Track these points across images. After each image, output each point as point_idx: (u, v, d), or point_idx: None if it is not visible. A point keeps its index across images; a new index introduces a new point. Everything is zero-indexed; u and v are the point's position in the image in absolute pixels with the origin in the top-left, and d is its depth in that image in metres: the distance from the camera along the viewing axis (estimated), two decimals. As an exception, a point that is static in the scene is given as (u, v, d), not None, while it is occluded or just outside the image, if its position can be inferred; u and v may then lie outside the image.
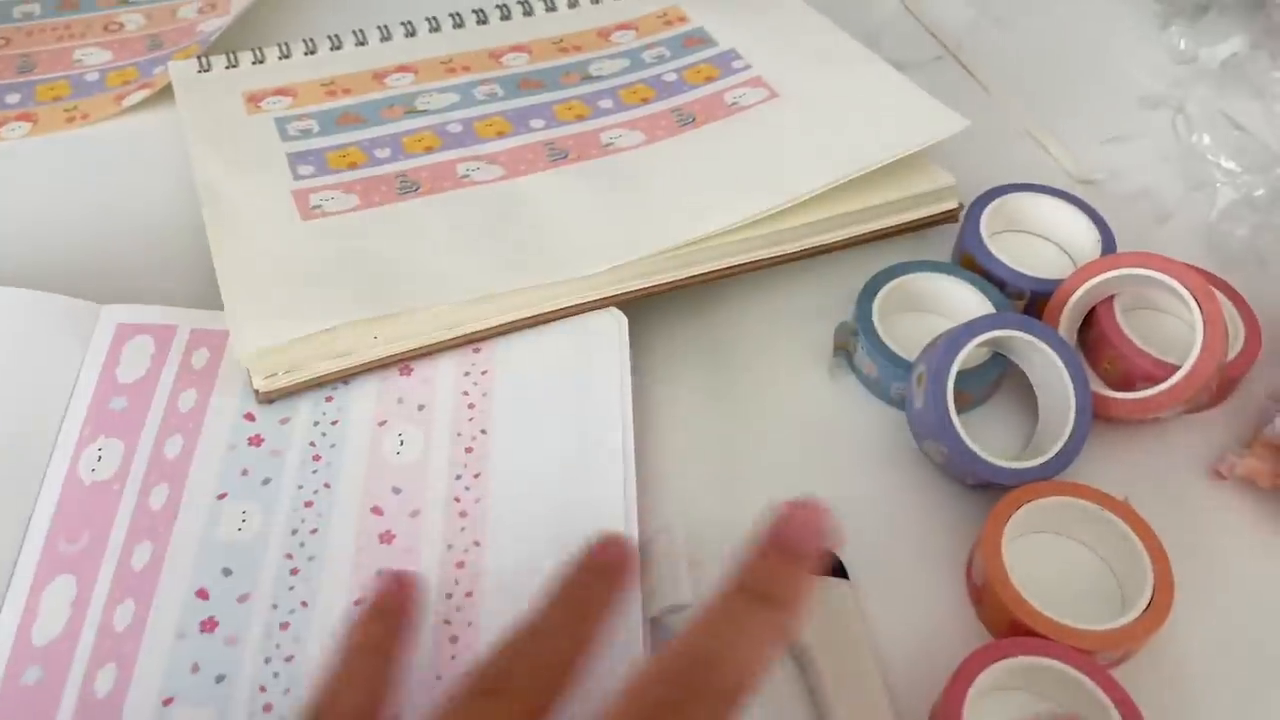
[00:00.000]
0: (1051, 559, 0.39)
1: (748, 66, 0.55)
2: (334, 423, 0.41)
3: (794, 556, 0.31)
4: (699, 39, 0.57)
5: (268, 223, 0.46)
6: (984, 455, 0.39)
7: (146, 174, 0.52)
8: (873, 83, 0.52)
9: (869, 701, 0.35)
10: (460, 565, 0.37)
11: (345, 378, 0.42)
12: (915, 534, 0.40)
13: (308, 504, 0.39)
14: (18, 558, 0.37)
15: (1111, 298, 0.44)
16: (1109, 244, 0.47)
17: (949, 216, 0.49)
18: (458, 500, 0.39)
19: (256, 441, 0.41)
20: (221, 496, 0.39)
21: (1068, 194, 0.48)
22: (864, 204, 0.47)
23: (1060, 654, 0.35)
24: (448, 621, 0.36)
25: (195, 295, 0.44)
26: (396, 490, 0.39)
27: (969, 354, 0.40)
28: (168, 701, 0.34)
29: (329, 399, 0.42)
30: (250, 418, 0.41)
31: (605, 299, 0.44)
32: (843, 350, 0.45)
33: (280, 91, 0.54)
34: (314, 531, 0.38)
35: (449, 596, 0.37)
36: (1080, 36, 0.63)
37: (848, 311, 0.45)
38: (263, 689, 0.34)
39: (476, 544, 0.38)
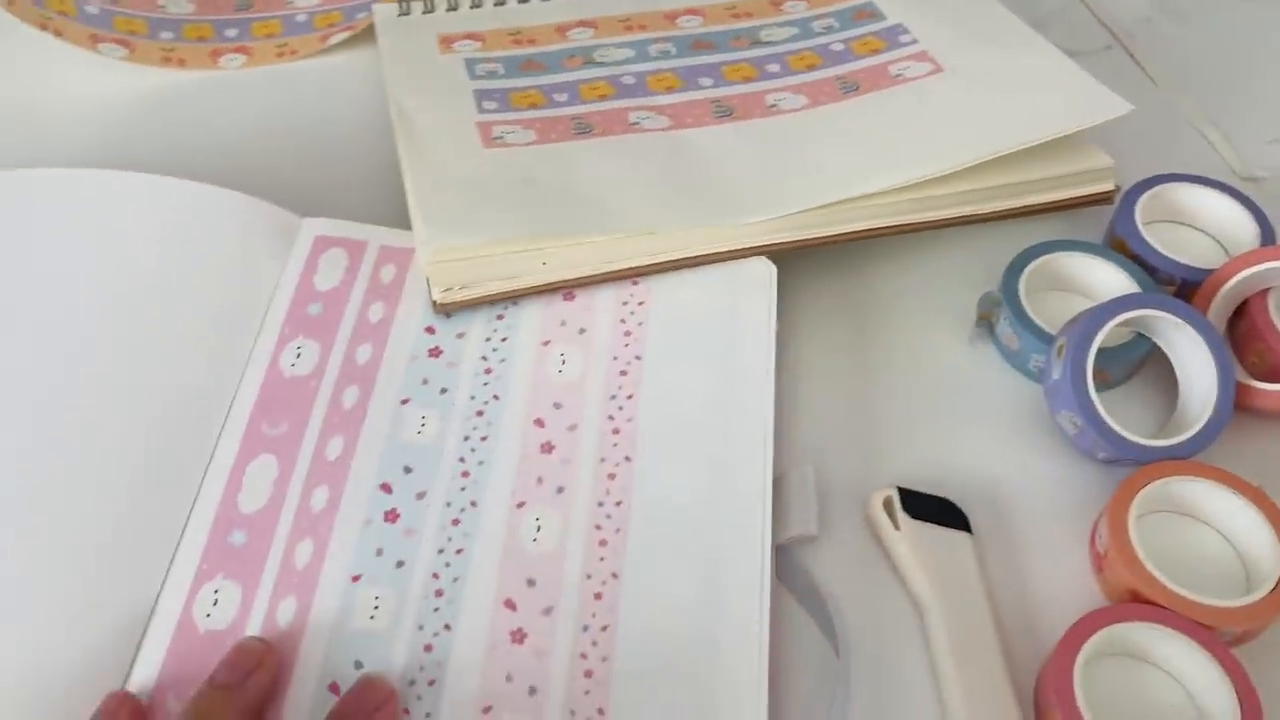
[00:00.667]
0: (1178, 537, 0.40)
1: (915, 41, 0.56)
2: (504, 340, 0.44)
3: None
4: (868, 13, 0.59)
5: (453, 148, 0.49)
6: (1119, 429, 0.39)
7: (345, 105, 0.57)
8: (1037, 63, 0.53)
9: (981, 651, 0.36)
10: (611, 477, 0.40)
11: (514, 298, 0.45)
12: (1043, 502, 0.41)
13: (479, 413, 0.42)
14: (220, 434, 0.41)
15: (1266, 291, 0.44)
16: (1269, 240, 0.47)
17: (1105, 198, 0.49)
18: (611, 419, 0.41)
19: (435, 353, 0.44)
20: (405, 402, 0.42)
21: (1229, 187, 0.49)
22: (1021, 177, 0.48)
23: (1177, 624, 0.35)
24: (599, 526, 0.39)
25: (384, 213, 0.48)
26: (557, 405, 0.42)
27: (1112, 332, 0.41)
28: (355, 579, 0.37)
29: (500, 317, 0.45)
30: (430, 331, 0.44)
31: (760, 247, 0.46)
32: (985, 321, 0.46)
33: (470, 36, 0.57)
34: (484, 439, 0.41)
35: (600, 504, 0.39)
36: (1257, 37, 0.62)
37: (993, 283, 0.46)
38: (435, 576, 0.37)
39: (628, 459, 0.40)
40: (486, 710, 0.35)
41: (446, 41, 0.57)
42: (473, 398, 0.43)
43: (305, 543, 0.38)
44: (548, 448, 0.41)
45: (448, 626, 0.36)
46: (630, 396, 0.42)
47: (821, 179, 0.47)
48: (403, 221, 0.46)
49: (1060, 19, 0.63)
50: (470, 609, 0.37)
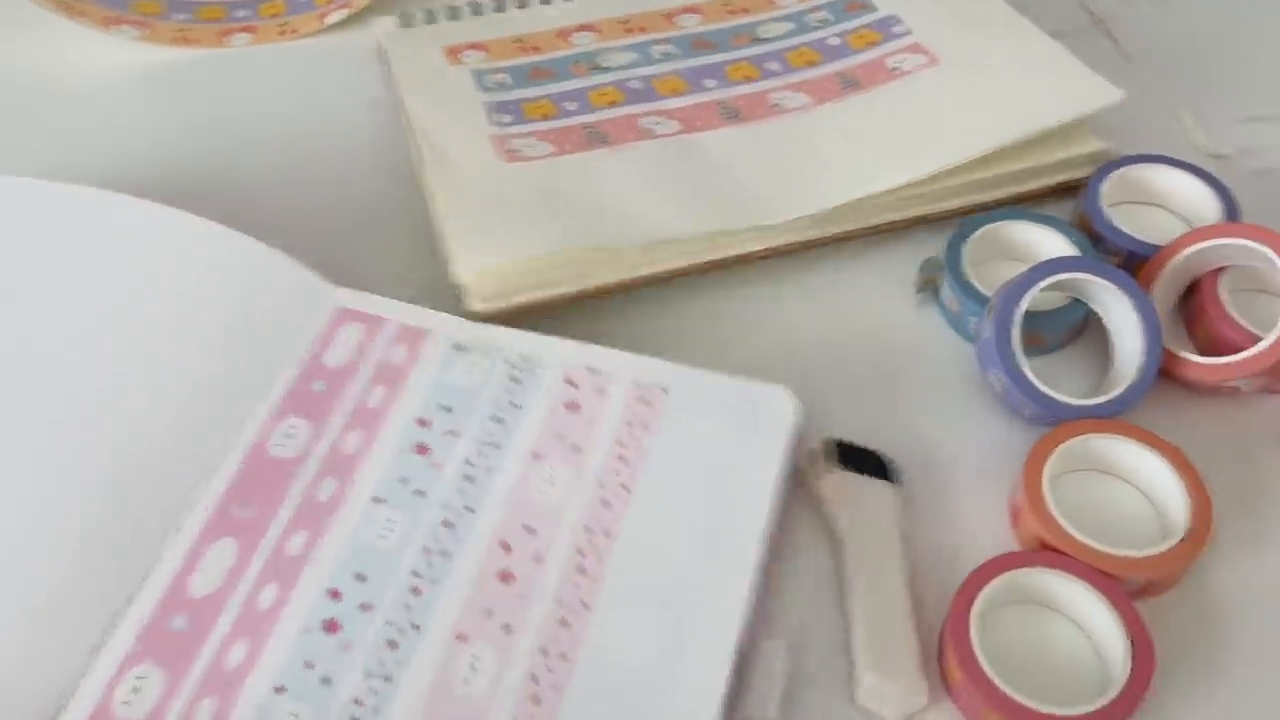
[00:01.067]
0: (1097, 494, 0.41)
1: (908, 32, 0.58)
2: (495, 446, 0.42)
3: None
4: (859, 4, 0.61)
5: (474, 165, 0.51)
6: (1041, 386, 0.41)
7: (341, 88, 0.61)
8: (1030, 51, 0.55)
9: (888, 590, 0.38)
10: (563, 624, 0.38)
11: (551, 310, 0.47)
12: (973, 458, 0.43)
13: (446, 523, 0.40)
14: (191, 505, 0.40)
15: (1219, 271, 0.45)
16: (1233, 219, 0.48)
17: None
18: (581, 555, 0.39)
19: (423, 450, 0.42)
20: (378, 501, 0.40)
21: (1195, 167, 0.50)
22: (1020, 165, 0.51)
23: (1078, 571, 0.37)
24: (535, 679, 0.37)
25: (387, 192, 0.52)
26: (530, 530, 0.40)
27: (1048, 297, 0.43)
28: (279, 689, 0.36)
29: (499, 421, 0.43)
30: (424, 424, 0.43)
31: (774, 248, 0.49)
32: (930, 285, 0.48)
33: (475, 46, 0.60)
34: (444, 554, 0.39)
35: (544, 652, 0.37)
36: (1236, 18, 0.63)
37: (942, 251, 0.48)
38: (358, 702, 0.36)
39: (585, 605, 0.38)
40: None
41: (453, 53, 0.60)
42: (446, 505, 0.41)
43: (241, 643, 0.37)
44: (507, 576, 0.39)
45: None
46: (607, 534, 0.40)
47: (831, 179, 0.50)
48: (393, 205, 0.50)
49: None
50: None
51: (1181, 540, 0.38)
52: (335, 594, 0.38)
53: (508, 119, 0.55)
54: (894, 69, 0.56)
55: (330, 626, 0.37)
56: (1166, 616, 0.38)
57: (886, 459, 0.42)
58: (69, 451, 0.41)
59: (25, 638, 0.37)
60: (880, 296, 0.49)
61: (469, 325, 0.46)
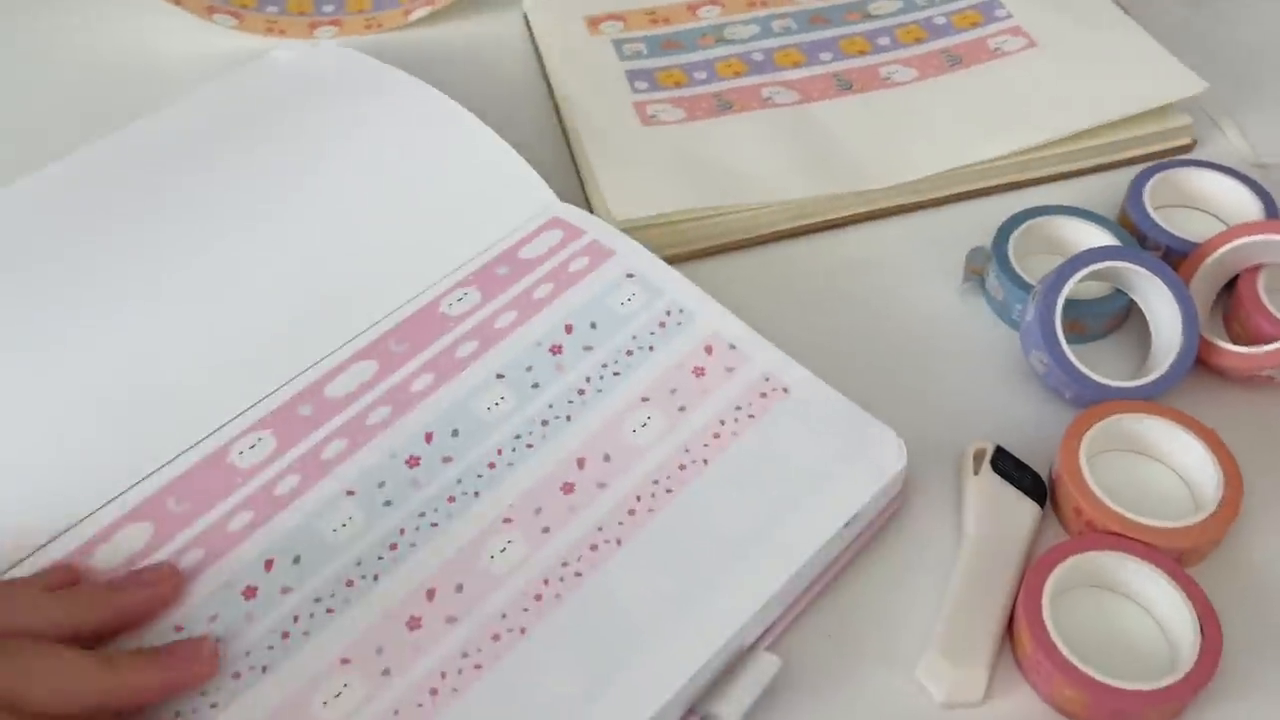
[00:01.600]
0: (1131, 473, 0.44)
1: (1009, 16, 0.63)
2: (615, 374, 0.45)
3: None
4: None
5: (618, 126, 0.58)
6: (1080, 367, 0.45)
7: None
8: (1120, 39, 0.60)
9: (988, 595, 0.40)
10: (593, 548, 0.40)
11: (683, 259, 0.53)
12: (1014, 439, 0.45)
13: (544, 422, 0.44)
14: (361, 333, 0.47)
15: (1259, 267, 0.48)
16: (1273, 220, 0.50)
17: (1184, 149, 0.58)
18: (637, 499, 0.41)
19: (556, 351, 0.46)
20: (499, 377, 0.45)
21: (1233, 170, 0.53)
22: (1113, 138, 0.57)
23: (1133, 549, 0.39)
24: (546, 582, 0.39)
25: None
26: (606, 458, 0.42)
27: (1091, 286, 0.47)
28: (349, 493, 0.42)
29: (629, 353, 0.46)
30: (568, 329, 0.47)
31: (883, 209, 0.55)
32: (976, 275, 0.52)
33: (613, 17, 0.67)
34: (529, 446, 0.43)
35: (564, 564, 0.40)
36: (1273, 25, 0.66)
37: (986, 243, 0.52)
38: (402, 532, 0.41)
39: (618, 542, 0.40)
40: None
41: (594, 23, 0.66)
42: (550, 405, 0.44)
43: (340, 441, 0.43)
44: (568, 488, 0.42)
45: (370, 578, 0.40)
46: (669, 492, 0.41)
47: (937, 147, 0.56)
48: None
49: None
50: (397, 578, 0.39)
51: (1213, 513, 0.40)
52: (428, 437, 0.43)
53: (644, 85, 0.61)
54: (995, 49, 0.61)
55: (412, 461, 0.42)
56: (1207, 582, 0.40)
57: (1040, 479, 0.44)
58: (297, 258, 0.49)
59: (203, 382, 0.45)
60: (927, 283, 0.53)
61: (651, 259, 0.49)
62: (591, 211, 0.53)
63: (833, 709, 0.39)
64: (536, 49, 0.66)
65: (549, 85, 0.64)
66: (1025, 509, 0.43)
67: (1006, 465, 0.44)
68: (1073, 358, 0.46)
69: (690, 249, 0.54)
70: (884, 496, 0.42)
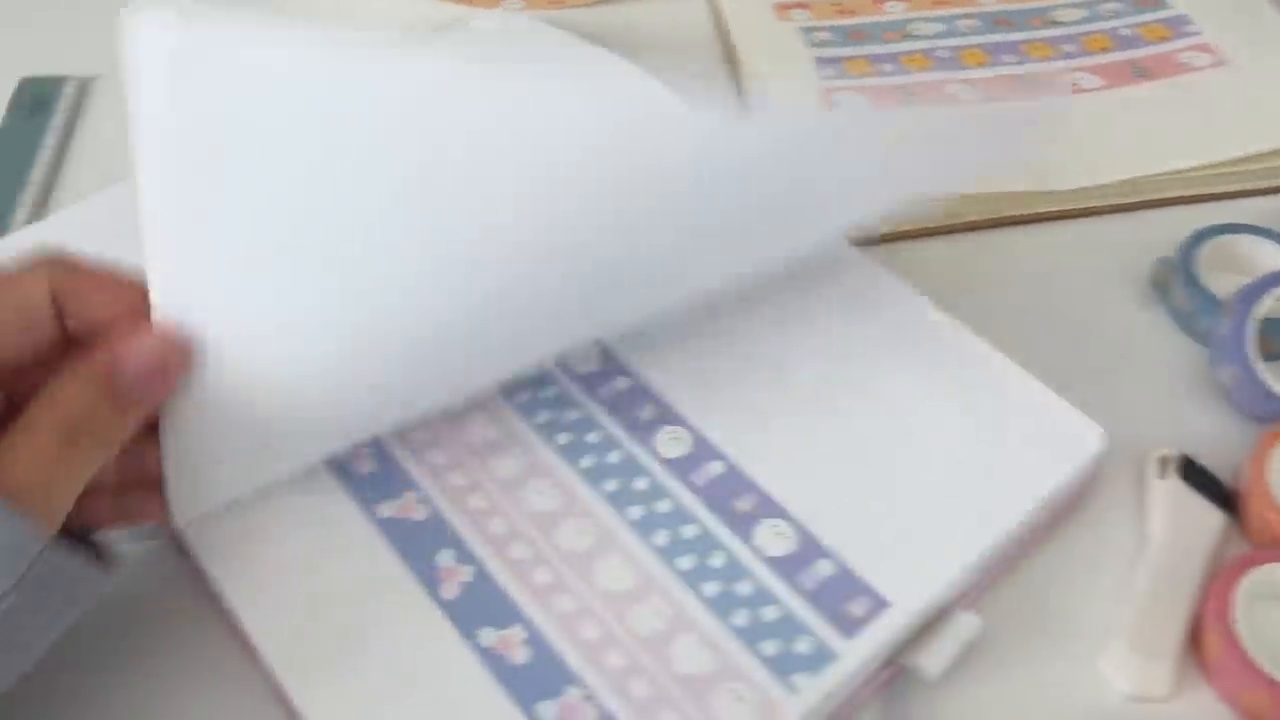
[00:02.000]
0: None
1: (1199, 32, 0.63)
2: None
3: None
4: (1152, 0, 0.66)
5: None
6: (1272, 383, 0.45)
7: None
8: None
9: (1173, 596, 0.41)
10: None
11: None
12: (1200, 454, 0.45)
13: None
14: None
15: None
16: None
17: None
18: None
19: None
20: None
21: None
22: None
23: None
24: None
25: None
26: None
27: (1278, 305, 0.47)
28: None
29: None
30: None
31: (1063, 210, 0.56)
32: (1160, 285, 0.52)
33: (800, 5, 0.68)
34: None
35: None
36: None
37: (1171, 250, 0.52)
38: None
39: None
40: None
41: (782, 9, 0.68)
42: None
43: None
44: None
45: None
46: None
47: (1122, 154, 0.56)
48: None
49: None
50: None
51: None
52: None
53: (831, 73, 0.63)
54: (1183, 64, 0.62)
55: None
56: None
57: (1225, 489, 0.44)
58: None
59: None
60: (1106, 286, 0.53)
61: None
62: None
63: (1015, 686, 0.40)
64: (722, 30, 0.68)
65: (733, 67, 0.65)
66: (1212, 517, 0.44)
67: (1193, 473, 0.45)
68: (1264, 374, 0.46)
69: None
70: (1080, 479, 0.43)
